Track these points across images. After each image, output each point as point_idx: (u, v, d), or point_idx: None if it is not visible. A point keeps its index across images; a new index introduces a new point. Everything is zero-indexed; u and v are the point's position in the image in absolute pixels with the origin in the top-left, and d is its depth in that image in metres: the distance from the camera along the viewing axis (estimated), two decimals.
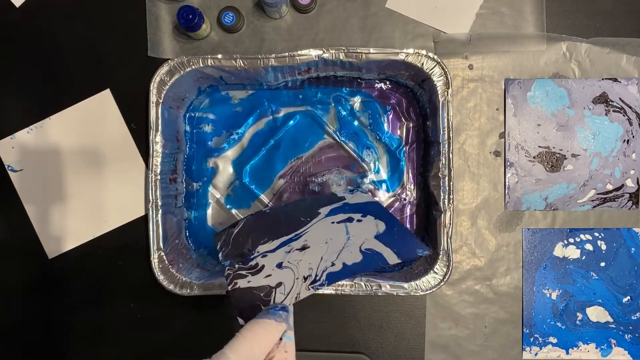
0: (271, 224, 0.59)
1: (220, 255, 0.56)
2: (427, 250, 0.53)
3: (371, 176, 0.70)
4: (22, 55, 0.69)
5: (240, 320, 0.48)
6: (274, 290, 0.50)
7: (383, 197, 0.70)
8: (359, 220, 0.56)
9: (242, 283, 0.51)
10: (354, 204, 0.60)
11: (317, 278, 0.51)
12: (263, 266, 0.53)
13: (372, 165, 0.70)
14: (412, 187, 0.70)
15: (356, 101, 0.70)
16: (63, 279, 0.69)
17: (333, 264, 0.52)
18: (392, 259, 0.52)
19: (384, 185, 0.70)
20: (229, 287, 0.51)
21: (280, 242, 0.55)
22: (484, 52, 0.68)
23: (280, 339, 0.43)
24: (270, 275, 0.52)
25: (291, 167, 0.70)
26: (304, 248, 0.54)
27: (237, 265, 0.53)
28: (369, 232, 0.55)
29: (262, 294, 0.50)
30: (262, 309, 0.48)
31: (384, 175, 0.70)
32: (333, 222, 0.57)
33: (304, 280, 0.51)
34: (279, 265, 0.53)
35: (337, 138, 0.70)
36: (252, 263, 0.53)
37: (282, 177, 0.70)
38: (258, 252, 0.55)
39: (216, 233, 0.59)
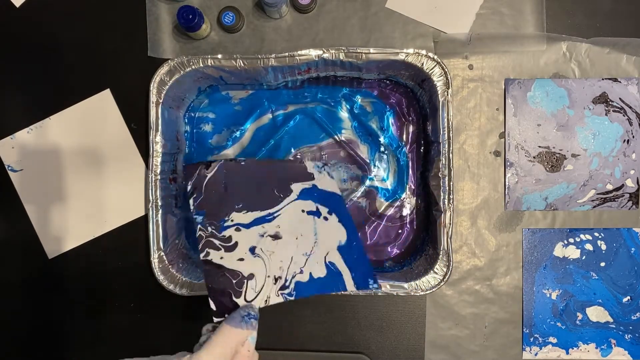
0: (246, 184, 0.60)
1: (191, 201, 0.57)
2: (376, 284, 0.59)
3: (375, 178, 0.70)
4: (22, 55, 0.69)
5: (212, 304, 0.51)
6: (245, 281, 0.53)
7: (385, 201, 0.70)
8: (325, 218, 0.61)
9: (214, 256, 0.54)
10: (322, 191, 0.63)
11: (287, 284, 0.54)
12: (236, 243, 0.55)
13: (378, 168, 0.70)
14: (412, 187, 0.71)
15: (365, 102, 0.70)
16: (63, 279, 0.69)
17: (302, 272, 0.56)
18: (349, 284, 0.58)
19: (389, 190, 0.71)
20: (201, 255, 0.54)
21: (255, 217, 0.57)
22: (484, 52, 0.68)
23: None
24: (243, 259, 0.54)
25: (296, 155, 0.70)
26: (276, 237, 0.57)
27: (209, 229, 0.55)
28: (333, 239, 0.60)
29: (234, 281, 0.53)
30: (234, 304, 0.51)
31: (390, 180, 0.70)
32: (303, 211, 0.60)
33: (274, 282, 0.54)
34: (252, 250, 0.55)
35: (337, 138, 0.70)
36: (226, 234, 0.55)
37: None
38: (232, 220, 0.56)
39: (187, 164, 0.60)
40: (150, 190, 0.65)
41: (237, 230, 0.56)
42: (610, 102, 0.68)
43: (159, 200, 0.65)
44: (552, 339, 0.68)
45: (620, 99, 0.68)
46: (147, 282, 0.66)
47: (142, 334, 0.68)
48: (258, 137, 0.71)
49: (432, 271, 0.65)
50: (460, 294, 0.68)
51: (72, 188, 0.69)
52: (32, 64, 0.69)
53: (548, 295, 0.68)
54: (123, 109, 0.68)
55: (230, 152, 0.71)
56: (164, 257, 0.66)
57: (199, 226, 0.55)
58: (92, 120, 0.69)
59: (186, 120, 0.70)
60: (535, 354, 0.68)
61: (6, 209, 0.69)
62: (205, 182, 0.58)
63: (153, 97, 0.65)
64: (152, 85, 0.65)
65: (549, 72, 0.68)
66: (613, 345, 0.68)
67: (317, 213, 0.60)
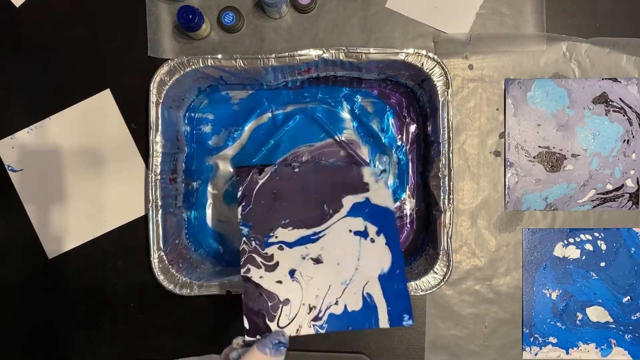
0: (296, 194, 0.59)
1: (240, 209, 0.57)
2: (411, 320, 0.57)
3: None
4: (22, 55, 0.69)
5: (246, 323, 0.52)
6: (281, 306, 0.54)
7: None
8: (372, 240, 0.59)
9: (254, 274, 0.55)
10: (374, 207, 0.61)
11: (320, 315, 0.54)
12: (277, 263, 0.55)
13: (380, 170, 0.70)
14: (412, 187, 0.71)
15: (366, 102, 0.70)
16: (63, 279, 0.69)
17: (337, 302, 0.55)
18: (383, 320, 0.56)
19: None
20: (242, 270, 0.54)
21: (300, 235, 0.57)
22: (484, 52, 0.68)
23: None
24: (281, 282, 0.55)
25: (294, 153, 0.70)
26: (318, 261, 0.57)
27: (254, 243, 0.56)
28: (376, 266, 0.58)
29: (270, 304, 0.54)
30: (267, 327, 0.52)
31: (391, 180, 0.70)
32: (350, 231, 0.59)
33: (308, 311, 0.54)
34: (292, 274, 0.55)
35: (337, 138, 0.70)
36: (269, 251, 0.56)
37: (281, 163, 0.70)
38: (277, 237, 0.57)
39: (238, 167, 0.60)
40: (150, 190, 0.65)
41: (280, 249, 0.56)
42: (610, 102, 0.68)
43: (159, 200, 0.65)
44: (552, 339, 0.68)
45: (620, 99, 0.68)
46: (147, 282, 0.66)
47: (142, 334, 0.68)
48: (258, 137, 0.71)
49: (432, 271, 0.65)
50: (460, 294, 0.68)
51: (72, 188, 0.69)
52: (32, 64, 0.69)
53: (548, 295, 0.68)
54: (123, 109, 0.68)
55: (230, 152, 0.71)
56: (164, 257, 0.66)
57: (244, 239, 0.56)
58: (92, 120, 0.69)
59: (186, 120, 0.70)
60: (535, 354, 0.68)
61: (6, 209, 0.69)
62: (255, 190, 0.58)
63: (153, 97, 0.65)
64: (152, 85, 0.65)
65: (549, 72, 0.68)
66: (613, 345, 0.68)
67: (364, 234, 0.59)
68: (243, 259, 0.55)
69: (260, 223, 0.57)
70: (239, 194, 0.58)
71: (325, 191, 0.60)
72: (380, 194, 0.62)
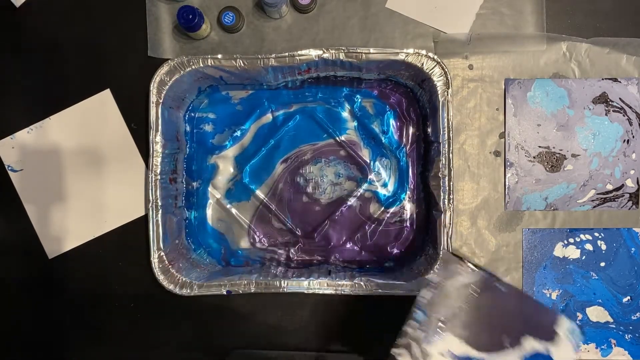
0: (482, 310, 0.54)
1: (428, 292, 0.52)
2: None
3: (375, 181, 0.70)
4: (22, 55, 0.69)
5: None
6: None
7: (385, 202, 0.70)
8: None
9: None
10: None
11: None
12: None
13: (379, 173, 0.70)
14: (412, 187, 0.71)
15: (366, 102, 0.70)
16: (63, 279, 0.69)
17: None
18: None
19: (390, 192, 0.71)
20: (394, 351, 0.50)
21: (467, 354, 0.52)
22: (484, 52, 0.68)
23: None
24: None
25: (297, 152, 0.70)
26: None
27: (419, 332, 0.52)
28: None
29: None
30: None
31: (392, 181, 0.70)
32: None
33: None
34: None
35: (338, 139, 0.70)
36: (429, 350, 0.52)
37: (284, 162, 0.70)
38: (444, 341, 0.52)
39: (448, 252, 0.56)
40: (150, 190, 0.65)
41: (442, 355, 0.51)
42: (610, 102, 0.68)
43: (159, 200, 0.65)
44: None
45: (620, 99, 0.68)
46: (147, 282, 0.66)
47: (142, 334, 0.68)
48: (258, 137, 0.71)
49: (432, 271, 0.65)
50: None
51: (72, 188, 0.69)
52: (32, 63, 0.69)
53: (548, 295, 0.68)
54: (123, 109, 0.68)
55: (230, 152, 0.71)
56: (164, 257, 0.66)
57: (412, 322, 0.52)
58: (92, 120, 0.69)
59: (186, 120, 0.70)
60: None
61: (6, 209, 0.69)
62: (453, 286, 0.53)
63: (153, 97, 0.65)
64: (152, 85, 0.65)
65: (549, 72, 0.68)
66: (613, 345, 0.68)
67: None
68: (402, 341, 0.51)
69: (437, 320, 0.52)
70: (438, 279, 0.54)
71: (511, 320, 0.55)
72: (566, 353, 0.54)
